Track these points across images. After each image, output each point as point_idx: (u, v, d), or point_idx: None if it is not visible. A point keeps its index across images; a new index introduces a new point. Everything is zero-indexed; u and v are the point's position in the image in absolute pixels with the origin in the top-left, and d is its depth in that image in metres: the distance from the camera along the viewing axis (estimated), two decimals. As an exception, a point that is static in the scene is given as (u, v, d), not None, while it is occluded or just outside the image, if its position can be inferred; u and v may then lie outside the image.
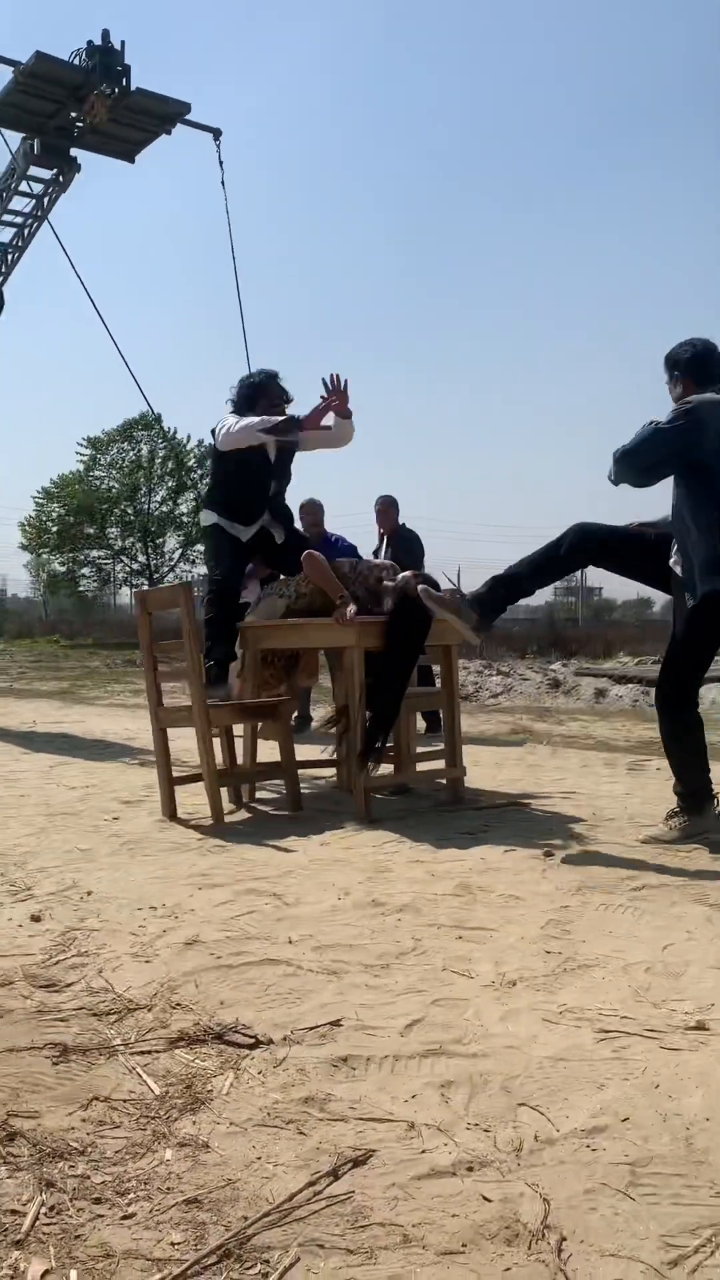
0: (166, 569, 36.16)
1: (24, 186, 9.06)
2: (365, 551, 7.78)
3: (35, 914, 3.05)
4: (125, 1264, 1.42)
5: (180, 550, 35.59)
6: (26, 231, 9.42)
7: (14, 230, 9.41)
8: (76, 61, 8.16)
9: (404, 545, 7.90)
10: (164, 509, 34.79)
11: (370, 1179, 1.63)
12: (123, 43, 8.08)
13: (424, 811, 4.73)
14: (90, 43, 8.11)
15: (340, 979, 2.50)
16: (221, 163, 9.04)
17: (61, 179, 9.04)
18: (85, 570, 36.97)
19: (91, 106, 8.22)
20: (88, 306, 9.95)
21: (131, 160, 9.19)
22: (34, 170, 8.96)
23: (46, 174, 9.10)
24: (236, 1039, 2.15)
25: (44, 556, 37.08)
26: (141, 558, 35.59)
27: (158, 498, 34.80)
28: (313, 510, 7.92)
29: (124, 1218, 1.53)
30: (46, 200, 9.22)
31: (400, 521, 8.14)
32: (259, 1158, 1.70)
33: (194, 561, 36.49)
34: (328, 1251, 1.44)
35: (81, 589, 37.99)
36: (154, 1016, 2.28)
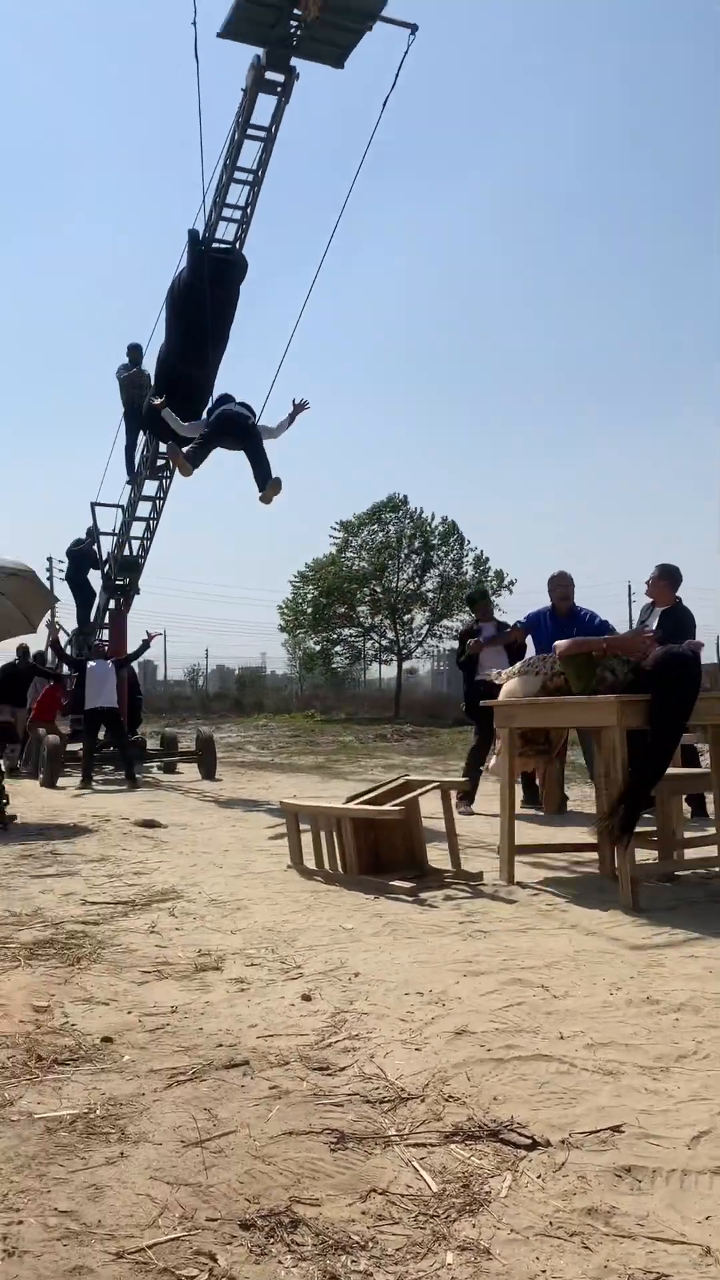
0: (415, 644, 36.78)
1: (253, 126, 9.99)
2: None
3: (306, 993, 3.12)
4: None
5: (427, 626, 36.15)
6: (262, 172, 10.37)
7: (250, 175, 10.34)
8: None
9: (672, 622, 7.26)
10: (410, 586, 35.59)
11: (666, 1308, 1.53)
12: None
13: (697, 901, 4.47)
14: None
15: (617, 1080, 2.39)
16: (404, 55, 9.54)
17: (284, 91, 9.94)
18: (338, 648, 38.25)
19: (305, 6, 9.11)
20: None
21: (340, 65, 9.99)
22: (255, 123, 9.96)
23: (266, 118, 10.01)
24: (512, 1138, 2.10)
25: (299, 636, 38.70)
26: (390, 634, 36.42)
27: (404, 575, 35.65)
28: (563, 583, 7.79)
29: (410, 1322, 1.51)
30: (274, 127, 10.14)
31: (677, 596, 7.34)
32: (543, 1270, 1.64)
33: (440, 637, 36.91)
34: None
35: (334, 665, 39.29)
36: (427, 1108, 2.27)
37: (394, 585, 35.54)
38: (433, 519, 35.55)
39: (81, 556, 14.24)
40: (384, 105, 9.82)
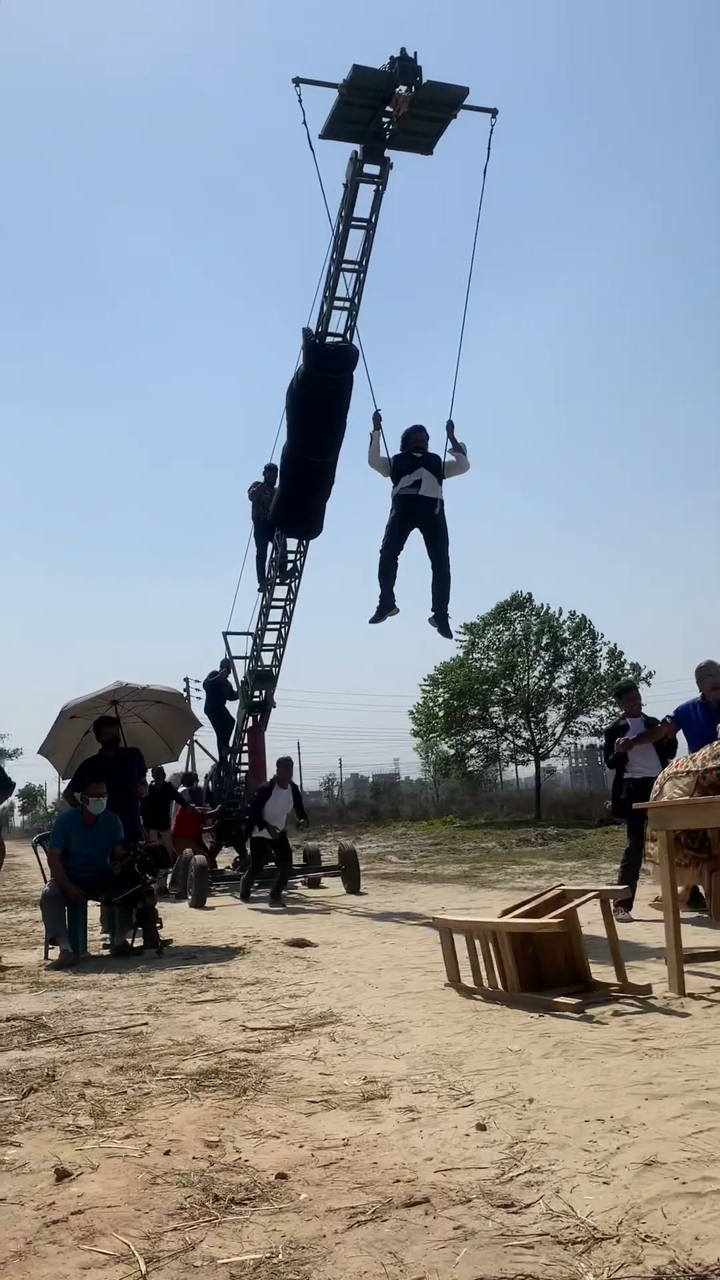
0: (551, 743, 36.09)
1: (356, 219, 10.62)
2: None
3: (480, 1122, 3.01)
4: None
5: (563, 723, 35.49)
6: (366, 260, 10.96)
7: (356, 265, 10.92)
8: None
9: None
10: (542, 683, 35.13)
11: None
12: (415, 53, 9.95)
13: None
14: (391, 57, 9.99)
15: None
16: (490, 137, 10.17)
17: (381, 180, 10.64)
18: (472, 750, 37.83)
19: (396, 104, 10.00)
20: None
21: (430, 152, 10.68)
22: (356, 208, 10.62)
23: (366, 210, 10.73)
24: (722, 1285, 1.95)
25: (432, 739, 38.48)
26: (525, 733, 35.87)
27: (535, 673, 35.26)
28: (712, 673, 7.58)
29: None
30: (374, 217, 10.76)
31: None
32: None
33: (577, 734, 36.17)
34: None
35: (470, 769, 38.81)
36: (624, 1250, 2.13)
37: (525, 683, 35.16)
38: (560, 614, 35.23)
39: (217, 687, 14.70)
40: (484, 173, 10.34)
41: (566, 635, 35.08)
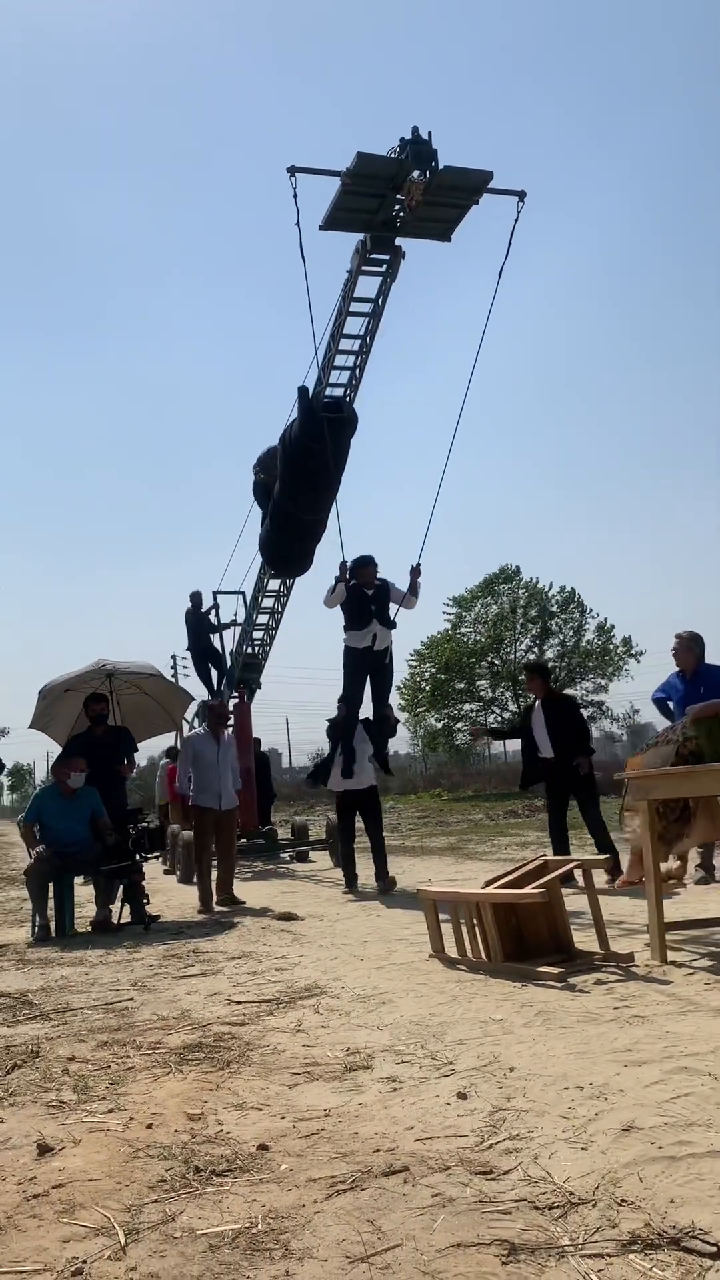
0: (538, 715, 36.27)
1: (358, 299, 9.94)
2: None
3: (461, 1091, 3.03)
4: None
5: (550, 695, 35.66)
6: (370, 339, 10.29)
7: (358, 341, 10.28)
8: (391, 156, 9.04)
9: None
10: (529, 655, 35.21)
11: None
12: (429, 133, 8.88)
13: None
14: (401, 139, 8.95)
15: None
16: (515, 224, 9.34)
17: (390, 269, 9.79)
18: (460, 724, 37.99)
19: (409, 192, 8.97)
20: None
21: (448, 239, 9.77)
22: (355, 306, 9.91)
23: (372, 290, 9.91)
24: (695, 1245, 1.97)
25: (420, 714, 38.59)
26: (513, 706, 36.01)
27: (522, 645, 35.38)
28: (681, 642, 7.62)
29: None
30: (381, 300, 10.00)
31: None
32: None
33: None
34: None
35: (457, 743, 38.98)
36: (599, 1214, 2.15)
37: (513, 656, 35.26)
38: (550, 587, 35.31)
39: (198, 623, 14.27)
40: (500, 275, 9.61)
41: (554, 609, 35.19)
